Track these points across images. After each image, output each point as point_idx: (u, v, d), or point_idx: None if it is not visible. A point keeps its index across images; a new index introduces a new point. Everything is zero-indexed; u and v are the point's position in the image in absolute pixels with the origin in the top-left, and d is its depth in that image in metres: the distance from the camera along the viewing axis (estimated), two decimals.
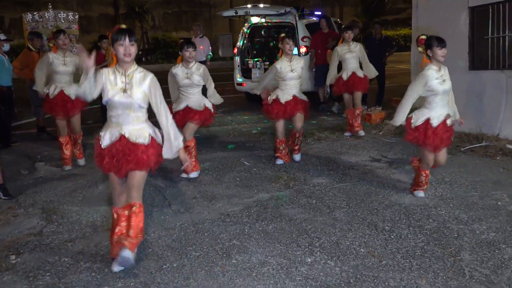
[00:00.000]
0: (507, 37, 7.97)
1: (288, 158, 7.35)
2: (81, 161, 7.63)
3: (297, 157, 7.37)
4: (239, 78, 12.41)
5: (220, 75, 15.48)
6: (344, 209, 5.60)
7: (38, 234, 5.21)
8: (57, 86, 7.20)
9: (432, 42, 5.33)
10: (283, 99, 6.96)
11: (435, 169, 6.85)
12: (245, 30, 12.68)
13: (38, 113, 9.56)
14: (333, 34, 11.05)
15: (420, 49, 5.39)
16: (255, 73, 12.19)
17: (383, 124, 9.42)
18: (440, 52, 5.31)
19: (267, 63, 12.37)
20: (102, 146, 4.19)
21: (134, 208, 4.16)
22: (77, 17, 10.74)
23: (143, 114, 4.20)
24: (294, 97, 7.00)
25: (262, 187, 6.45)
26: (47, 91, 7.22)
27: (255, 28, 12.96)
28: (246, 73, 12.41)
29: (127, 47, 4.04)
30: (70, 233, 5.21)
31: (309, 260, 4.45)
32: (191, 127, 6.53)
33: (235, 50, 12.63)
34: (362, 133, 8.73)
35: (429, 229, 5.01)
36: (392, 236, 4.87)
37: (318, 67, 11.05)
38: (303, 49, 11.46)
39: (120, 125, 4.15)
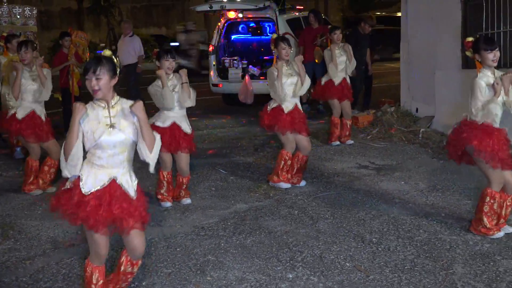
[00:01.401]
0: (502, 33, 8.09)
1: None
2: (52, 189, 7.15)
3: (303, 183, 6.89)
4: (214, 79, 12.38)
5: (195, 74, 15.45)
6: (329, 220, 5.64)
7: None
8: (25, 105, 6.73)
9: (480, 45, 4.97)
10: (285, 109, 6.60)
11: (426, 176, 6.96)
12: (221, 26, 12.65)
13: None
14: (324, 30, 11.06)
15: (468, 53, 5.13)
16: (232, 72, 12.18)
17: (370, 127, 9.49)
18: (490, 56, 4.90)
19: (245, 61, 12.43)
20: (83, 191, 3.71)
21: (140, 262, 4.04)
22: (35, 12, 10.64)
23: (132, 152, 3.86)
24: (296, 109, 6.66)
25: (240, 197, 6.47)
26: (12, 112, 6.79)
27: (231, 24, 12.99)
28: (222, 73, 12.38)
29: (92, 81, 3.67)
30: (28, 250, 5.17)
31: (291, 276, 4.47)
32: (186, 158, 6.20)
33: (210, 48, 12.61)
34: (351, 141, 8.77)
35: (419, 240, 5.08)
36: (380, 249, 4.92)
37: (306, 65, 11.10)
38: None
39: (107, 168, 3.76)
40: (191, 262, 4.77)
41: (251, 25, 13.47)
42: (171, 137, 5.95)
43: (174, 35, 30.90)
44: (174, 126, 5.98)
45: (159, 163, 5.35)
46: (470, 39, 5.08)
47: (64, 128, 9.74)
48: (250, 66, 12.28)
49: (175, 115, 6.00)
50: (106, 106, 3.73)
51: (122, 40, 12.24)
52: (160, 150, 3.96)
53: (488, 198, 4.99)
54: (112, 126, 3.69)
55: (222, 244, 5.13)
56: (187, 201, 6.33)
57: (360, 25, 10.73)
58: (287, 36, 11.45)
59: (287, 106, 6.56)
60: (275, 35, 6.90)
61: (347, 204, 6.07)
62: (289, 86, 6.52)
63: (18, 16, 10.37)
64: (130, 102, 3.76)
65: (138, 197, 3.82)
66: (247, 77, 11.53)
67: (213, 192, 6.62)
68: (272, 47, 6.65)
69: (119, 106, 3.76)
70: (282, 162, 6.70)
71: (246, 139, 9.30)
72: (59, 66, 9.61)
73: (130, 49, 11.83)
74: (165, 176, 6.21)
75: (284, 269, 4.60)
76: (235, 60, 12.46)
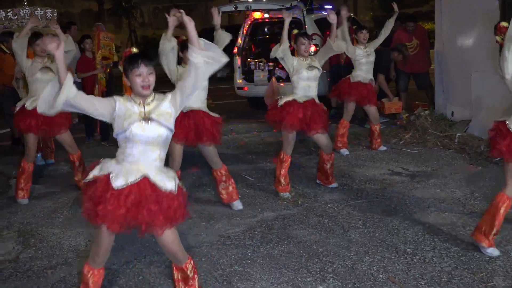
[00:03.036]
0: None
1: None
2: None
3: (334, 184, 7.00)
4: (239, 81, 12.41)
5: (219, 78, 15.51)
6: (360, 229, 5.62)
7: (14, 261, 5.24)
8: (34, 97, 6.81)
9: None
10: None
11: (463, 183, 6.87)
12: (246, 26, 12.69)
13: (13, 124, 9.54)
14: (349, 30, 11.02)
15: (498, 38, 4.83)
16: (258, 75, 12.20)
17: (402, 132, 9.41)
18: None
19: (271, 64, 12.37)
20: (114, 186, 3.66)
21: (190, 269, 4.02)
22: (56, 14, 10.79)
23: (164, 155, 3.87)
24: (309, 102, 6.63)
25: (267, 205, 6.49)
26: (24, 103, 6.90)
27: (257, 24, 13.01)
28: (248, 75, 12.41)
29: (145, 77, 3.73)
30: (50, 259, 5.23)
31: None
32: (213, 150, 6.18)
33: (235, 50, 12.60)
34: (384, 148, 8.69)
35: (456, 251, 5.02)
36: (415, 260, 4.88)
37: (332, 68, 11.06)
38: (312, 48, 11.42)
39: (139, 165, 3.75)
40: (217, 273, 4.78)
41: (277, 25, 13.36)
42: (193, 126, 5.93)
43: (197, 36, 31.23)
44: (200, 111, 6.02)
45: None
46: (504, 24, 4.77)
47: (86, 135, 9.96)
48: (277, 68, 12.19)
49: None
50: (141, 103, 3.76)
51: None
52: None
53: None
54: (146, 119, 3.69)
55: (249, 254, 5.13)
56: (238, 206, 6.35)
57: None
58: (315, 37, 11.47)
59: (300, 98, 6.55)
60: (295, 31, 6.89)
61: (379, 213, 6.04)
62: (305, 81, 6.55)
63: (40, 19, 10.48)
64: (167, 97, 3.79)
65: (176, 195, 3.78)
66: (273, 80, 11.50)
67: (239, 200, 6.58)
68: (292, 43, 6.69)
69: (155, 103, 3.78)
70: (282, 167, 6.68)
71: (273, 145, 9.30)
72: (86, 73, 9.70)
73: None
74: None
75: (314, 280, 4.58)
76: (261, 62, 12.48)
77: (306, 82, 6.56)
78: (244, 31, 12.69)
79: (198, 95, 5.97)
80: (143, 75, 3.70)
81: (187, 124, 5.88)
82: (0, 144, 10.41)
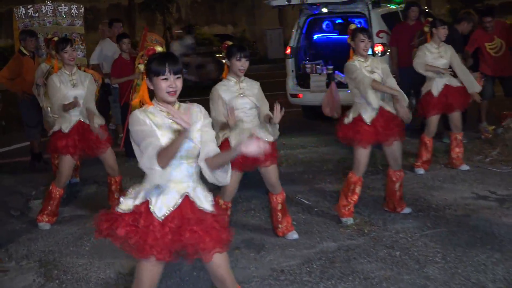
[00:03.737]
0: None
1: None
2: None
3: (407, 209, 6.98)
4: (293, 88, 12.35)
5: (268, 83, 15.52)
6: (440, 264, 5.53)
7: None
8: (70, 118, 7.02)
9: None
10: (367, 117, 6.62)
11: None
12: (301, 23, 12.60)
13: (32, 136, 9.81)
14: (421, 27, 10.87)
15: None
16: (315, 80, 12.12)
17: (489, 148, 9.27)
18: None
19: (331, 66, 12.25)
20: (157, 215, 3.82)
21: None
22: (82, 10, 10.91)
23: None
24: (381, 112, 6.64)
25: (327, 233, 6.45)
26: (56, 128, 7.08)
27: (314, 20, 12.96)
28: (303, 80, 12.31)
29: (172, 82, 3.83)
30: None
31: None
32: (274, 170, 6.26)
33: (288, 50, 12.56)
34: (466, 167, 8.56)
35: None
36: None
37: (402, 70, 10.92)
38: (378, 48, 11.32)
39: (176, 183, 3.90)
40: None
41: (337, 22, 13.38)
42: None
43: (242, 34, 31.41)
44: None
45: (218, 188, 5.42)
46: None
47: (126, 154, 9.82)
48: (337, 72, 11.95)
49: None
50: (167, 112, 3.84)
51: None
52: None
53: None
54: (179, 131, 3.76)
55: None
56: (293, 235, 6.38)
57: (460, 23, 10.51)
58: (382, 34, 11.34)
59: (371, 115, 6.57)
60: (353, 26, 6.89)
61: (462, 244, 5.94)
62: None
63: (64, 15, 10.62)
64: (194, 107, 3.96)
65: (215, 213, 3.92)
66: (333, 85, 11.35)
67: (294, 227, 6.56)
68: (349, 40, 6.69)
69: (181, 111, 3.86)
70: (351, 188, 6.68)
71: (333, 162, 9.27)
72: (121, 79, 9.82)
73: None
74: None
75: None
76: (319, 64, 12.30)
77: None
78: (299, 28, 12.59)
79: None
80: (170, 80, 3.81)
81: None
82: (18, 159, 10.62)
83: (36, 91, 8.90)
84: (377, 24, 11.45)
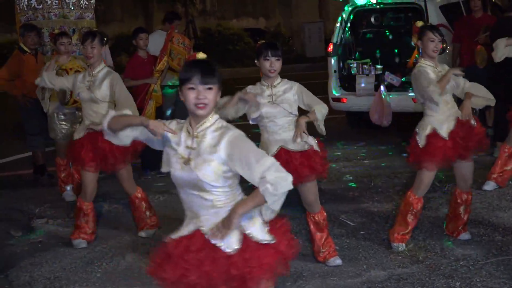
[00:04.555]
0: None
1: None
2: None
3: (466, 235, 6.96)
4: (336, 91, 12.37)
5: (306, 85, 15.43)
6: None
7: None
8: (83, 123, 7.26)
9: None
10: (444, 131, 6.52)
11: None
12: (345, 16, 12.59)
13: (35, 146, 9.89)
14: (490, 20, 10.78)
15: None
16: (361, 82, 12.08)
17: None
18: None
19: (379, 66, 12.27)
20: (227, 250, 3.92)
21: None
22: (93, 1, 10.87)
23: (228, 194, 3.99)
24: (460, 122, 6.57)
25: (375, 260, 6.48)
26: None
27: (361, 13, 12.98)
28: (348, 82, 12.34)
29: (200, 93, 3.87)
30: None
31: None
32: (313, 187, 6.33)
33: (330, 47, 12.60)
34: None
35: None
36: None
37: (466, 70, 10.86)
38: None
39: (195, 214, 4.03)
40: None
41: (388, 14, 13.41)
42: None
43: (276, 29, 31.32)
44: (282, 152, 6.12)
45: None
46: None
47: (142, 168, 9.90)
48: (387, 73, 12.07)
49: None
50: (191, 133, 3.95)
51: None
52: None
53: None
54: (187, 161, 3.90)
55: None
56: (336, 261, 6.42)
57: None
58: (440, 29, 11.34)
59: (448, 127, 6.49)
60: (420, 23, 6.77)
61: None
62: (445, 95, 6.48)
63: (72, 7, 10.66)
64: (229, 133, 3.89)
65: (244, 250, 3.91)
66: (382, 88, 11.34)
67: (337, 252, 6.57)
68: (415, 40, 6.65)
69: (207, 136, 3.92)
70: (410, 210, 6.65)
71: (383, 177, 9.31)
72: (137, 81, 9.78)
73: None
74: None
75: None
76: (366, 64, 12.32)
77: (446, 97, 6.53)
78: (343, 22, 12.58)
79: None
80: (199, 91, 3.85)
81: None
82: (20, 172, 10.71)
83: (40, 95, 8.93)
84: (434, 17, 11.37)
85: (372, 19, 13.53)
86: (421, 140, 6.53)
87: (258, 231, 3.97)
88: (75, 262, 6.83)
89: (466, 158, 6.59)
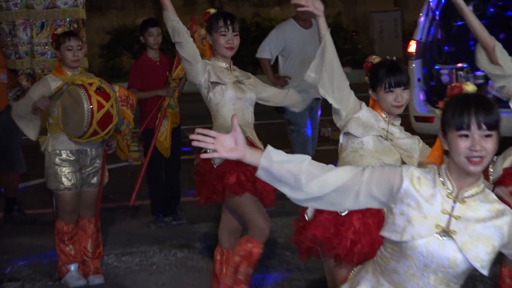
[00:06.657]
0: None
1: None
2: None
3: None
4: (420, 107, 11.25)
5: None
6: None
7: None
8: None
9: None
10: None
11: None
12: (433, 4, 11.53)
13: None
14: None
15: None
16: None
17: None
18: None
19: (481, 73, 10.84)
20: None
21: None
22: None
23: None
24: None
25: None
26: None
27: (452, 4, 11.43)
28: (437, 95, 11.16)
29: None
30: None
31: None
32: None
33: (412, 46, 11.60)
34: None
35: None
36: None
37: None
38: None
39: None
40: None
41: (493, 1, 12.37)
42: None
43: (336, 20, 29.49)
44: None
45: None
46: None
47: (152, 212, 9.36)
48: (491, 82, 10.41)
49: None
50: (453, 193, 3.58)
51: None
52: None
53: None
54: (444, 234, 3.42)
55: None
56: None
57: None
58: None
59: None
60: None
61: None
62: None
63: None
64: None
65: None
66: None
67: None
68: None
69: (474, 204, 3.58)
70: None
71: None
72: (146, 93, 8.76)
73: None
74: None
75: None
76: (462, 70, 11.44)
77: None
78: (430, 12, 11.64)
79: None
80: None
81: None
82: None
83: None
84: None
85: (471, 7, 11.81)
86: None
87: None
88: None
89: None
